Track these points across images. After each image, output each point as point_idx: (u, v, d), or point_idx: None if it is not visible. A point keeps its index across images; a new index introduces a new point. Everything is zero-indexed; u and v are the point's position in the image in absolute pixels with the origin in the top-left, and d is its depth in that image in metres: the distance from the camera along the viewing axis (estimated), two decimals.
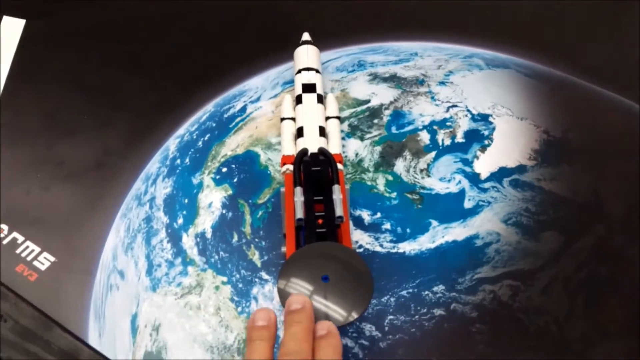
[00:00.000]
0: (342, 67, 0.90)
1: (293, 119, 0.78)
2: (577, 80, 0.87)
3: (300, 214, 0.60)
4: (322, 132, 0.74)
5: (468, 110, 0.82)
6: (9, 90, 0.88)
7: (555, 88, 0.85)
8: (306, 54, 0.83)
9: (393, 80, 0.87)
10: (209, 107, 0.85)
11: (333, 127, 0.76)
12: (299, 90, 0.79)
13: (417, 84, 0.86)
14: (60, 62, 0.92)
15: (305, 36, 0.87)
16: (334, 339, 0.47)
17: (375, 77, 0.88)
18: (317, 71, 0.82)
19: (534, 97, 0.84)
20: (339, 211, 0.60)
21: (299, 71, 0.82)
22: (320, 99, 0.78)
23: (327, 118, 0.77)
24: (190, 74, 0.90)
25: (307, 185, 0.63)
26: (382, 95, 0.85)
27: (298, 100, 0.78)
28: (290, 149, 0.73)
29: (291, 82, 0.87)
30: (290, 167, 0.70)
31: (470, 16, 0.97)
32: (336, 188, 0.62)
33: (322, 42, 0.88)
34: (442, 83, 0.86)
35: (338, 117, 0.78)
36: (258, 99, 0.86)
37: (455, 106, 0.83)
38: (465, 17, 0.97)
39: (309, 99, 0.78)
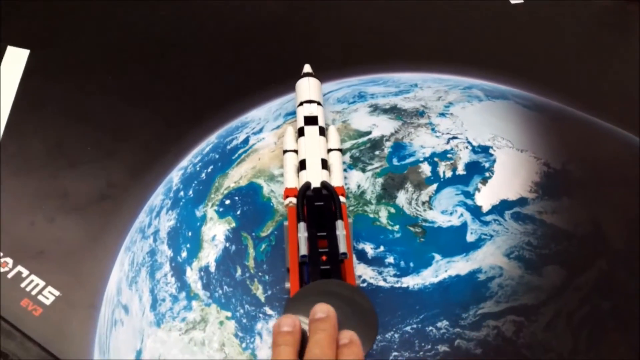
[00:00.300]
0: (343, 99, 0.91)
1: (295, 151, 0.78)
2: (576, 111, 0.88)
3: (304, 250, 0.60)
4: (325, 164, 0.75)
5: (468, 142, 0.83)
6: (13, 121, 0.89)
7: (555, 119, 0.87)
8: (308, 86, 0.84)
9: (393, 111, 0.88)
10: (212, 139, 0.86)
11: (335, 159, 0.77)
12: (301, 122, 0.80)
13: (417, 116, 0.87)
14: (64, 92, 0.93)
15: (307, 68, 0.89)
16: (356, 347, 0.48)
17: (375, 109, 0.89)
18: (319, 103, 0.83)
19: (533, 129, 0.85)
20: (342, 247, 0.60)
21: (301, 103, 0.83)
22: (322, 132, 0.79)
23: (329, 150, 0.78)
24: (193, 105, 0.91)
25: (311, 220, 0.64)
26: (383, 126, 0.86)
27: (300, 132, 0.79)
28: (293, 181, 0.74)
29: (293, 113, 0.88)
30: (293, 199, 0.71)
31: (469, 47, 0.99)
32: (339, 224, 0.63)
33: (322, 73, 0.89)
34: (442, 114, 0.87)
35: (340, 150, 0.79)
36: (260, 131, 0.86)
37: (456, 138, 0.84)
38: (464, 49, 0.99)
39: (311, 131, 0.79)
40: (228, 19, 1.05)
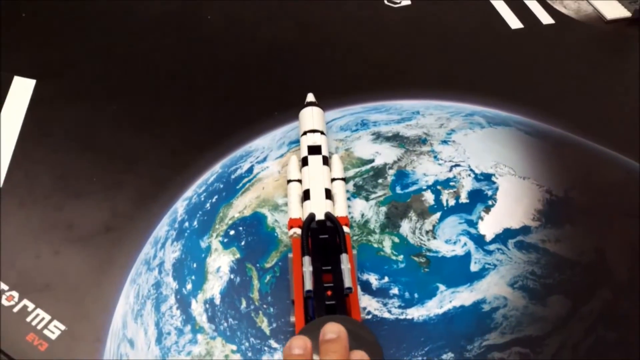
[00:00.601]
0: (346, 127, 0.92)
1: (299, 180, 0.79)
2: (577, 137, 0.89)
3: (309, 285, 0.60)
4: (328, 194, 0.75)
5: (471, 170, 0.84)
6: (19, 151, 0.89)
7: (557, 146, 0.87)
8: (311, 115, 0.85)
9: (396, 139, 0.89)
10: (217, 168, 0.86)
11: (339, 189, 0.78)
12: (304, 152, 0.81)
13: (419, 143, 0.88)
14: (70, 122, 0.94)
15: (310, 97, 0.90)
16: None
17: (378, 137, 0.90)
18: (322, 132, 0.84)
19: (535, 156, 0.86)
20: (347, 282, 0.61)
21: (305, 133, 0.83)
22: (326, 161, 0.80)
23: (333, 179, 0.79)
24: (198, 134, 0.91)
25: (315, 253, 0.64)
26: (386, 154, 0.87)
27: (304, 162, 0.80)
28: (297, 211, 0.74)
29: (297, 141, 0.88)
30: (298, 230, 0.71)
31: (470, 74, 1.00)
32: (344, 257, 0.63)
33: (325, 101, 0.90)
34: (444, 142, 0.88)
35: (343, 179, 0.79)
36: (264, 159, 0.87)
37: (458, 165, 0.85)
38: (465, 75, 1.00)
39: (315, 161, 0.79)
40: (231, 49, 1.06)
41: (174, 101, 0.97)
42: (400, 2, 1.13)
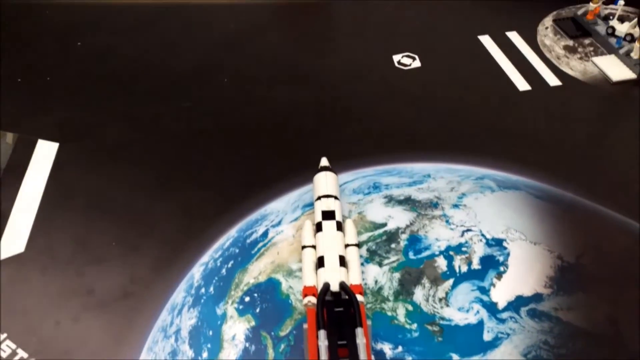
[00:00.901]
0: (359, 189, 0.94)
1: (313, 246, 0.80)
2: (586, 201, 0.90)
3: None
4: (342, 261, 0.77)
5: (482, 235, 0.85)
6: (42, 216, 0.92)
7: (567, 211, 0.88)
8: (325, 180, 0.87)
9: (408, 202, 0.91)
10: (232, 232, 0.88)
11: (352, 255, 0.79)
12: (318, 217, 0.83)
13: (431, 207, 0.90)
14: (91, 185, 0.97)
15: (324, 161, 0.92)
16: None
17: (390, 200, 0.92)
18: (336, 197, 0.85)
19: (546, 220, 0.87)
20: (363, 357, 0.61)
21: (319, 198, 0.85)
22: (340, 226, 0.82)
23: (347, 245, 0.80)
24: (214, 198, 0.94)
25: (330, 327, 0.65)
26: (398, 218, 0.89)
27: (318, 227, 0.81)
28: (311, 278, 0.76)
29: (311, 204, 0.90)
30: (312, 299, 0.72)
31: (479, 137, 1.02)
32: (359, 331, 0.64)
33: (338, 162, 0.93)
34: (455, 206, 0.90)
35: (357, 244, 0.81)
36: (279, 223, 0.89)
37: (470, 230, 0.86)
38: (474, 138, 1.02)
39: (329, 226, 0.81)
40: (246, 113, 1.09)
41: (190, 165, 1.00)
42: (410, 65, 1.17)
